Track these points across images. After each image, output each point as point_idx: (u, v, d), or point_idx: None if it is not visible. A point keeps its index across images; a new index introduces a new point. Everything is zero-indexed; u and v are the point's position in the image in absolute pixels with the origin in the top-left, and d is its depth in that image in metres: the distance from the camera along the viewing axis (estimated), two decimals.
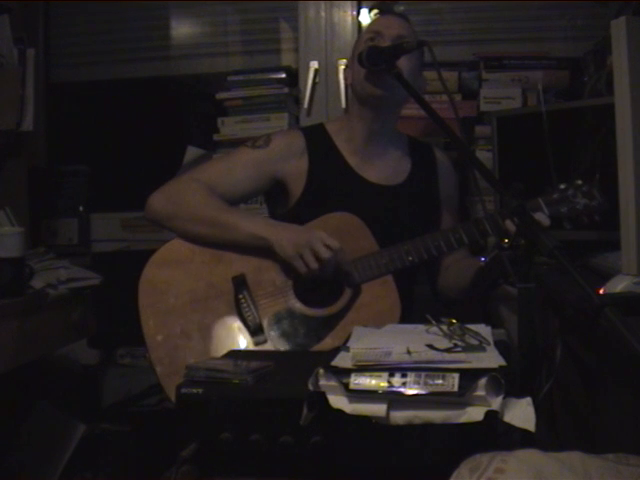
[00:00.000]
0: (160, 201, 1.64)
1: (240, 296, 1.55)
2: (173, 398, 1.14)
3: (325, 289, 1.57)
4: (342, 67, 1.85)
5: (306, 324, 1.53)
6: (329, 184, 1.69)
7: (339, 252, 1.51)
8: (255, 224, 1.58)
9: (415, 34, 1.72)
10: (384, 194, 1.72)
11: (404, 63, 1.60)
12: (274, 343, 1.52)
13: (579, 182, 1.54)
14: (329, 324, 1.53)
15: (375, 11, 1.88)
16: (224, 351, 1.44)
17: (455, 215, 1.85)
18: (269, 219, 1.74)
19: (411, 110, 2.05)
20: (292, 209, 1.69)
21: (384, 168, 1.75)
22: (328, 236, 1.51)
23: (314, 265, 1.50)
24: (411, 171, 1.77)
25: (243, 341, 1.52)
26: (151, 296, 1.54)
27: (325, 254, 1.49)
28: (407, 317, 1.55)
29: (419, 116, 2.10)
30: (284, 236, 1.54)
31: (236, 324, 1.53)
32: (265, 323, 1.54)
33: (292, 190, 1.70)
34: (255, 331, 1.52)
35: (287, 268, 1.57)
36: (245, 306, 1.54)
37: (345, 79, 1.80)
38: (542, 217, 1.45)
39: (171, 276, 1.56)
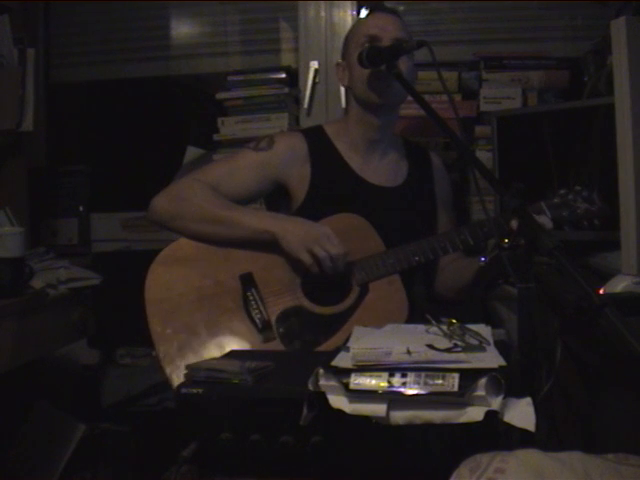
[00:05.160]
0: (163, 202, 1.63)
1: (248, 294, 1.54)
2: None
3: (333, 288, 1.56)
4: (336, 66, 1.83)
5: (315, 322, 1.53)
6: (332, 188, 1.68)
7: (346, 251, 1.52)
8: (259, 218, 1.57)
9: (409, 31, 1.71)
10: (386, 196, 1.72)
11: (403, 63, 1.60)
12: (282, 340, 1.52)
13: (578, 188, 1.55)
14: (337, 322, 1.52)
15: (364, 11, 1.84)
16: (232, 348, 1.45)
17: (451, 214, 1.85)
18: (273, 213, 1.72)
19: (411, 110, 2.05)
20: (295, 213, 1.68)
21: (384, 170, 1.74)
22: (334, 235, 1.51)
23: (323, 254, 1.49)
24: (409, 172, 1.77)
25: (251, 338, 1.51)
26: (157, 294, 1.53)
27: (334, 250, 1.49)
28: (407, 317, 1.55)
29: (419, 116, 2.11)
30: (290, 229, 1.53)
31: (244, 321, 1.53)
32: (273, 320, 1.53)
33: (295, 194, 1.69)
34: (264, 328, 1.52)
35: (295, 266, 1.56)
36: (253, 303, 1.54)
37: (340, 79, 1.77)
38: (545, 220, 1.47)
39: (178, 274, 1.56)
